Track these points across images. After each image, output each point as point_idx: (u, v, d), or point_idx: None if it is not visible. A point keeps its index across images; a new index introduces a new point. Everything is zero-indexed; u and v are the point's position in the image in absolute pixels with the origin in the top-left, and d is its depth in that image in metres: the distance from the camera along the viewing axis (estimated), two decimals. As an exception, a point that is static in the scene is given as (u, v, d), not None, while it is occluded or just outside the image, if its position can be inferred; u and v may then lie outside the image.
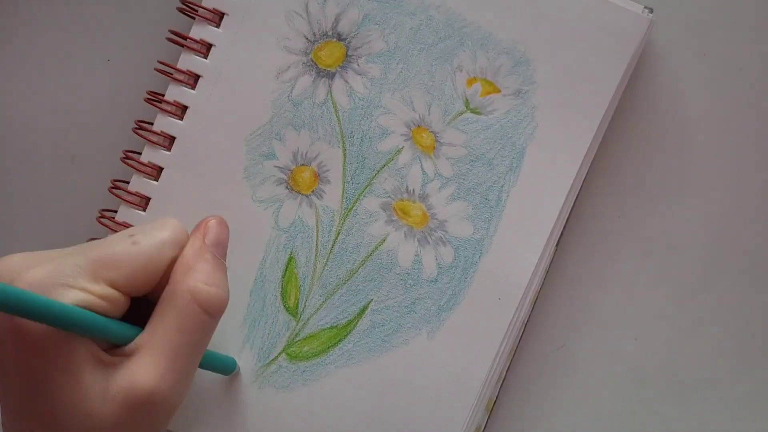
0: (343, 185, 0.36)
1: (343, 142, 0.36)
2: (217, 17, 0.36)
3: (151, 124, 0.37)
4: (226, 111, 0.36)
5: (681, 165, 0.37)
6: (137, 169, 0.37)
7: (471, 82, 0.35)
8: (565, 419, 0.37)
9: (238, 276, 0.36)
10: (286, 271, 0.36)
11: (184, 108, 0.36)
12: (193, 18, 0.36)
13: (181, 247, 0.29)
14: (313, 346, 0.36)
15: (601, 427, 0.37)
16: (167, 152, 0.36)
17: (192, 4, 0.36)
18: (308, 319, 0.36)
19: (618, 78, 0.34)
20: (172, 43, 0.37)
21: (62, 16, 0.39)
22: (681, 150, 0.37)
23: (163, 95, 0.37)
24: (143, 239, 0.28)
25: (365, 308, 0.36)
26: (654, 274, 0.37)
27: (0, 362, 0.27)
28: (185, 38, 0.36)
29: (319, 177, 0.36)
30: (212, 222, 0.30)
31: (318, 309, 0.36)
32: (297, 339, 0.36)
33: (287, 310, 0.36)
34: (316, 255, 0.36)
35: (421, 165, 0.36)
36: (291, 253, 0.36)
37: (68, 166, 0.39)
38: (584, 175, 0.35)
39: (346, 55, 0.36)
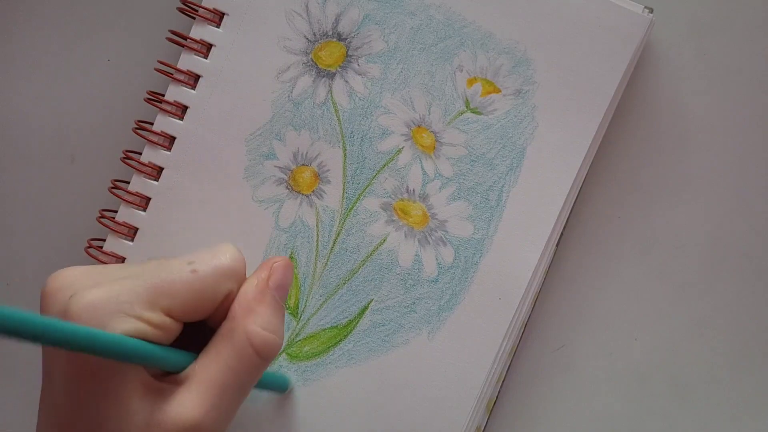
0: (344, 185, 0.36)
1: (344, 142, 0.36)
2: (217, 17, 0.36)
3: (152, 124, 0.37)
4: (226, 111, 0.36)
5: (681, 165, 0.37)
6: (137, 169, 0.37)
7: (471, 82, 0.35)
8: (565, 419, 0.37)
9: (238, 276, 0.36)
10: (286, 271, 0.36)
11: (185, 108, 0.36)
12: (194, 18, 0.36)
13: (239, 279, 0.29)
14: (314, 346, 0.36)
15: (601, 427, 0.37)
16: (167, 152, 0.36)
17: (192, 4, 0.36)
18: (308, 319, 0.36)
19: (618, 78, 0.35)
20: (172, 43, 0.37)
21: (62, 16, 0.39)
22: (681, 150, 0.37)
23: (164, 95, 0.37)
24: (202, 267, 0.27)
25: (365, 308, 0.36)
26: (654, 274, 0.37)
27: (49, 376, 0.27)
28: (185, 38, 0.36)
29: (319, 177, 0.36)
30: (278, 264, 0.30)
31: (318, 309, 0.36)
32: (297, 339, 0.36)
33: (287, 310, 0.36)
34: (316, 255, 0.36)
35: (422, 165, 0.36)
36: (291, 253, 0.36)
37: (68, 166, 0.39)
38: (584, 175, 0.35)
39: (347, 55, 0.36)
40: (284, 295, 0.30)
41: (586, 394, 0.37)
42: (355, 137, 0.36)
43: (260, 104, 0.36)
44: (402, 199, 0.36)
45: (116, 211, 0.37)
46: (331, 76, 0.36)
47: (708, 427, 0.37)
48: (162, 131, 0.36)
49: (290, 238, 0.36)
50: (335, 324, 0.36)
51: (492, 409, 0.37)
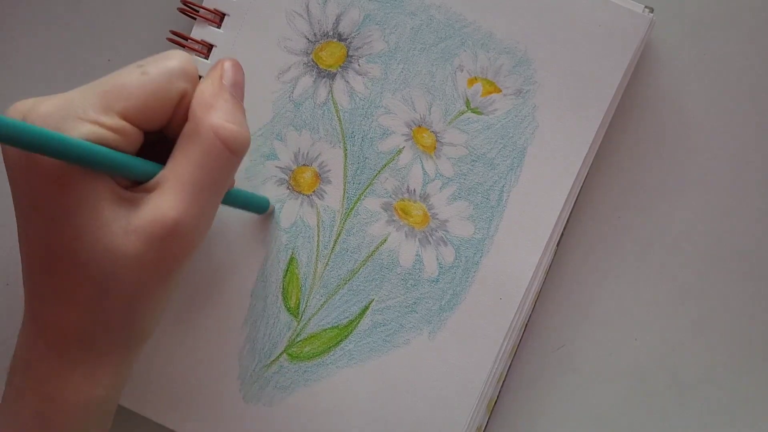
0: (344, 185, 0.36)
1: (344, 142, 0.36)
2: (217, 18, 0.36)
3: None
4: (226, 111, 0.36)
5: (681, 165, 0.37)
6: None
7: (472, 81, 0.35)
8: (565, 419, 0.37)
9: (239, 277, 0.36)
10: (287, 271, 0.36)
11: (185, 108, 0.36)
12: (194, 18, 0.36)
13: (191, 80, 0.28)
14: (315, 346, 0.36)
15: (601, 427, 0.37)
16: (168, 152, 0.36)
17: (193, 4, 0.36)
18: (309, 319, 0.36)
19: (618, 78, 0.35)
20: (173, 44, 0.37)
21: (62, 16, 0.39)
22: (681, 150, 0.37)
23: (164, 95, 0.37)
24: (152, 69, 0.27)
25: (366, 308, 0.36)
26: (654, 275, 0.37)
27: (18, 206, 0.26)
28: (186, 39, 0.36)
29: (320, 177, 0.36)
30: (227, 64, 0.29)
31: (319, 309, 0.36)
32: (298, 339, 0.36)
33: (288, 310, 0.36)
34: (317, 255, 0.36)
35: (422, 165, 0.36)
36: (292, 253, 0.36)
37: (68, 166, 0.39)
38: (585, 175, 0.35)
39: (347, 56, 0.36)
40: (240, 93, 0.29)
41: (586, 394, 0.37)
42: (355, 137, 0.36)
43: (261, 104, 0.36)
44: (403, 199, 0.36)
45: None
46: (332, 76, 0.36)
47: (708, 427, 0.37)
48: (162, 131, 0.36)
49: (291, 238, 0.36)
50: (336, 324, 0.36)
51: (493, 409, 0.37)
